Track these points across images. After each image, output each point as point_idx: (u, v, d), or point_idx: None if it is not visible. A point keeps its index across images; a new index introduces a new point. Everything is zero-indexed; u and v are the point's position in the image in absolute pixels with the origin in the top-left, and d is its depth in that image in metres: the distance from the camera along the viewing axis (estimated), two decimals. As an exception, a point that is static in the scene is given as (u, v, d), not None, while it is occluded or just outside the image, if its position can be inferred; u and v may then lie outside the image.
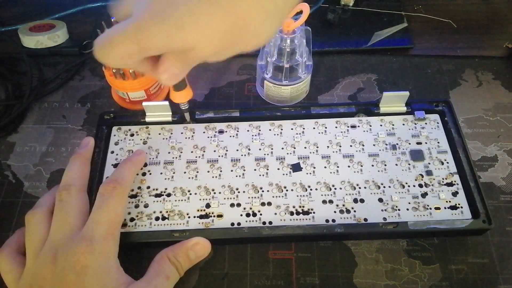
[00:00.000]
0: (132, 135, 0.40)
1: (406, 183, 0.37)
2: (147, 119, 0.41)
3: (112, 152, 0.40)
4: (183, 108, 0.39)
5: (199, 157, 0.39)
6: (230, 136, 0.40)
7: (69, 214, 0.32)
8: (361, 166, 0.38)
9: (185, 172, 0.38)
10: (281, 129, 0.40)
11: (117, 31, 0.24)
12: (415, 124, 0.40)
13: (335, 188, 0.37)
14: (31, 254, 0.31)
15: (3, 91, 0.46)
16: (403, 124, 0.40)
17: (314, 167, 0.38)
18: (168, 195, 0.37)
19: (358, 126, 0.40)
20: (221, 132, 0.40)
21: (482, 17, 0.53)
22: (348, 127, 0.40)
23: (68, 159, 0.40)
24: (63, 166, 0.40)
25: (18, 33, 0.49)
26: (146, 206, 0.36)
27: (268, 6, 0.24)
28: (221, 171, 0.38)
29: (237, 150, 0.39)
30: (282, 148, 0.39)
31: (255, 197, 0.36)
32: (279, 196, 0.37)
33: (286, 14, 0.27)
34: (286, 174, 0.38)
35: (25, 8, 0.54)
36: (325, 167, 0.38)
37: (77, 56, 0.49)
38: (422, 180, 0.37)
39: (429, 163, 0.38)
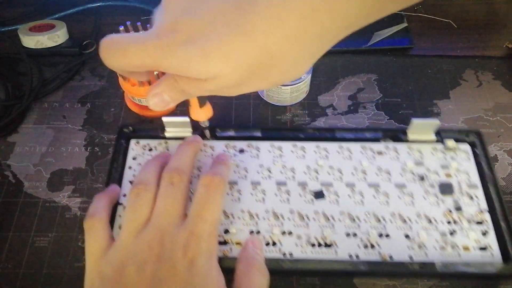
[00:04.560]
0: (150, 149, 0.37)
1: (434, 219, 0.34)
2: (167, 134, 0.38)
3: (130, 167, 0.36)
4: (203, 126, 0.36)
5: None
6: (251, 157, 0.37)
7: (178, 201, 0.31)
8: (387, 197, 0.35)
9: None
10: (304, 152, 0.37)
11: (135, 41, 0.23)
12: (445, 154, 0.37)
13: (359, 220, 0.34)
14: (131, 231, 0.30)
15: (3, 91, 0.44)
16: (432, 153, 0.37)
17: (338, 196, 0.35)
18: (185, 218, 0.34)
19: (385, 153, 0.37)
20: (241, 151, 0.37)
21: (482, 17, 0.51)
22: (374, 153, 0.37)
23: (68, 159, 0.40)
24: (63, 166, 0.40)
25: (18, 33, 0.47)
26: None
27: (303, 47, 0.22)
28: (240, 194, 0.35)
29: (258, 172, 0.36)
30: (305, 173, 0.36)
31: (275, 225, 0.33)
32: (301, 226, 0.33)
33: (317, 57, 0.24)
34: (308, 202, 0.34)
35: (25, 8, 0.52)
36: (349, 196, 0.35)
37: (77, 56, 0.47)
38: (450, 216, 0.34)
39: (458, 198, 0.35)
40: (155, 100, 0.26)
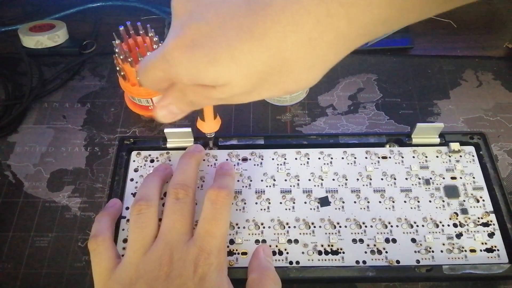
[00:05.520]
0: (152, 161, 0.37)
1: (440, 222, 0.33)
2: (168, 145, 0.37)
3: (132, 179, 0.36)
4: (208, 137, 0.36)
5: None
6: (254, 165, 0.36)
7: (185, 217, 0.30)
8: (393, 202, 0.34)
9: None
10: (308, 158, 0.36)
11: (150, 57, 0.22)
12: (450, 156, 0.36)
13: (366, 226, 0.33)
14: (138, 249, 0.29)
15: (3, 91, 0.44)
16: (437, 156, 0.36)
17: (343, 202, 0.34)
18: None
19: (390, 157, 0.36)
20: (244, 160, 0.36)
21: (482, 17, 0.51)
22: (379, 157, 0.36)
23: (68, 159, 0.40)
24: (63, 166, 0.40)
25: (18, 33, 0.46)
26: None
27: (318, 53, 0.21)
28: (245, 203, 0.34)
29: (262, 180, 0.35)
30: (309, 180, 0.35)
31: (281, 234, 0.33)
32: (307, 233, 0.33)
33: (332, 64, 0.22)
34: (314, 209, 0.34)
35: (25, 8, 0.52)
36: (354, 202, 0.34)
37: (77, 56, 0.47)
38: (457, 219, 0.34)
39: (464, 201, 0.34)
40: (163, 113, 0.25)
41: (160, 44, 0.33)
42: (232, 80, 0.21)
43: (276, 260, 0.32)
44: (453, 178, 0.36)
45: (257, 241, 0.33)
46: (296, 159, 0.37)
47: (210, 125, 0.34)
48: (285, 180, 0.36)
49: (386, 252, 0.32)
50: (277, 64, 0.21)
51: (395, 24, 0.21)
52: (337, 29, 0.20)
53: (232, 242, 0.33)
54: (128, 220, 0.33)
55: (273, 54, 0.20)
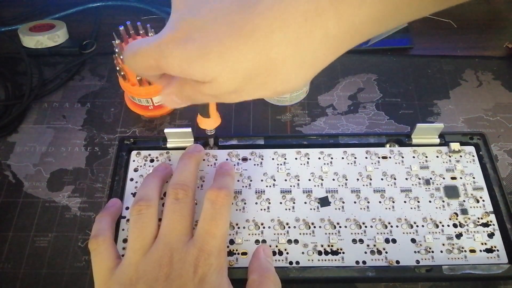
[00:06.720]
0: (152, 160, 0.37)
1: (440, 222, 0.33)
2: (169, 145, 0.37)
3: (132, 179, 0.36)
4: (209, 134, 0.36)
5: None
6: (254, 165, 0.36)
7: (185, 217, 0.30)
8: (393, 202, 0.34)
9: None
10: (308, 158, 0.36)
11: (142, 43, 0.22)
12: (450, 156, 0.36)
13: (366, 226, 0.33)
14: (138, 249, 0.29)
15: (3, 91, 0.44)
16: (437, 156, 0.36)
17: (343, 202, 0.34)
18: (189, 229, 0.33)
19: (390, 158, 0.36)
20: (244, 159, 0.36)
21: (482, 17, 0.51)
22: (379, 157, 0.36)
23: (68, 159, 0.40)
24: (63, 166, 0.40)
25: (18, 33, 0.46)
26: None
27: (306, 53, 0.20)
28: (245, 203, 0.34)
29: (262, 180, 0.35)
30: (309, 180, 0.35)
31: (281, 234, 0.33)
32: (307, 234, 0.33)
33: (322, 66, 0.22)
34: (314, 209, 0.34)
35: (25, 8, 0.51)
36: (354, 202, 0.34)
37: (77, 56, 0.47)
38: (456, 219, 0.34)
39: (464, 201, 0.34)
40: (166, 100, 0.26)
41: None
42: (218, 77, 0.21)
43: (276, 260, 0.32)
44: (453, 178, 0.36)
45: (257, 241, 0.33)
46: (296, 159, 0.36)
47: (209, 122, 0.34)
48: (285, 180, 0.36)
49: (386, 252, 0.32)
50: (263, 62, 0.20)
51: (388, 23, 0.21)
52: (326, 28, 0.19)
53: (232, 242, 0.33)
54: (128, 220, 0.33)
55: (260, 51, 0.20)
